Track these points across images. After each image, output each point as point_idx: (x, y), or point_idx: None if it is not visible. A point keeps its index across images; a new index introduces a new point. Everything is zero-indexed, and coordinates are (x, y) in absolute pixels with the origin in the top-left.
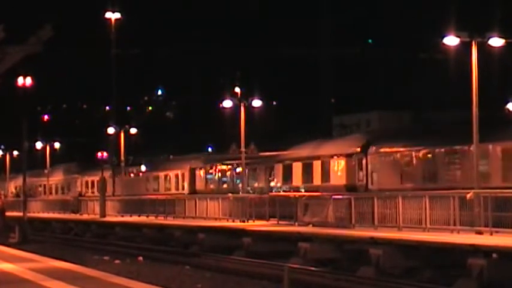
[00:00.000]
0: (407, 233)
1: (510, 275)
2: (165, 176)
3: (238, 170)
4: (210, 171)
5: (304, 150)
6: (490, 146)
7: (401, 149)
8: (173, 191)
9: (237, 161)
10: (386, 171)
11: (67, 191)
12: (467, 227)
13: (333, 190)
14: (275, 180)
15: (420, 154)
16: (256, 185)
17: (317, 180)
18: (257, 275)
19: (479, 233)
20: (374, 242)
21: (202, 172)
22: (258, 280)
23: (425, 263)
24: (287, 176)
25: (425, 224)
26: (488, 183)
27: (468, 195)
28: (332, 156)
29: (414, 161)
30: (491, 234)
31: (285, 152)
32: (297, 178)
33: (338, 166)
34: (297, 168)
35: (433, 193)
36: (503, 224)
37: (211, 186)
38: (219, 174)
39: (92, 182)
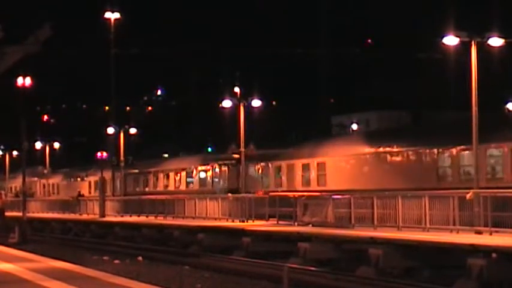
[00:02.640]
0: (406, 232)
1: (510, 275)
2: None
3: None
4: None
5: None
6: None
7: (261, 162)
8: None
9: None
10: (251, 177)
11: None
12: (467, 227)
13: (220, 192)
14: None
15: (272, 166)
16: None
17: (209, 184)
18: (257, 275)
19: (479, 232)
20: (373, 241)
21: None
22: (258, 280)
23: (424, 263)
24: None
25: (425, 223)
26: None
27: (468, 195)
28: (220, 165)
29: (270, 171)
30: (491, 234)
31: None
32: (195, 182)
33: (222, 173)
34: (195, 173)
35: (433, 193)
36: (502, 224)
37: (137, 189)
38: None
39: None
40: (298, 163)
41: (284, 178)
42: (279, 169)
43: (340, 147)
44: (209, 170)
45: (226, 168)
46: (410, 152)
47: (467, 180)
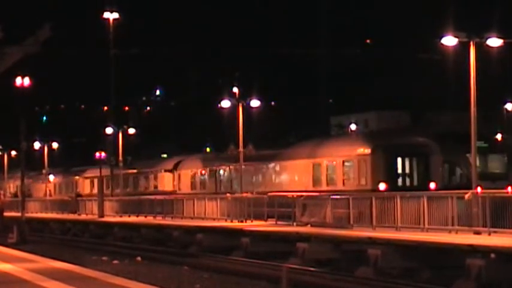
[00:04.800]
0: (405, 233)
1: (508, 275)
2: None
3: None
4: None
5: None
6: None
7: (193, 168)
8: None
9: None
10: (184, 181)
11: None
12: (466, 227)
13: (162, 193)
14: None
15: (199, 171)
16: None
17: (152, 187)
18: (255, 276)
19: (478, 233)
20: (372, 242)
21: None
22: (257, 280)
23: (423, 263)
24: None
25: (424, 224)
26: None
27: (466, 196)
28: (160, 171)
29: (197, 176)
30: (490, 234)
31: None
32: (144, 185)
33: (163, 178)
34: (144, 178)
35: (431, 193)
36: (501, 224)
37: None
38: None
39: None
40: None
41: (205, 182)
42: (193, 175)
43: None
44: (150, 176)
45: (164, 174)
46: (289, 163)
47: (332, 184)
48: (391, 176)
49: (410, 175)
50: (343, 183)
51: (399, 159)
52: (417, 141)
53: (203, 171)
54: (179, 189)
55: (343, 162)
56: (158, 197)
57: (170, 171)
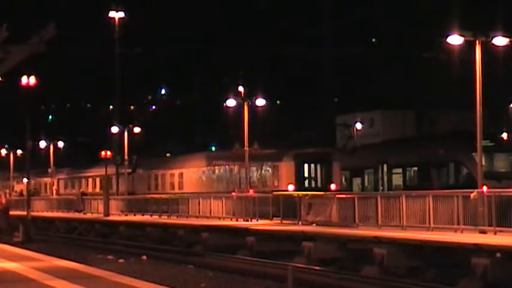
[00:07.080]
0: (411, 232)
1: None
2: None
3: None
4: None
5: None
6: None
7: (149, 170)
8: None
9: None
10: (141, 183)
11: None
12: (471, 226)
13: (123, 194)
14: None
15: (168, 174)
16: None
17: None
18: (261, 275)
19: (483, 232)
20: (378, 241)
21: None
22: (262, 279)
23: (429, 263)
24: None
25: (429, 223)
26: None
27: (472, 195)
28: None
29: (151, 178)
30: (495, 233)
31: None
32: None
33: (124, 180)
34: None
35: (437, 193)
36: (507, 224)
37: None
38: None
39: None
40: (167, 172)
41: (160, 183)
42: (156, 176)
43: (191, 163)
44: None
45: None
46: (228, 167)
47: (254, 186)
48: (298, 179)
49: (315, 178)
50: (262, 185)
51: (306, 165)
52: (322, 150)
53: (156, 174)
54: (136, 190)
55: (262, 167)
56: (163, 196)
57: (129, 174)
